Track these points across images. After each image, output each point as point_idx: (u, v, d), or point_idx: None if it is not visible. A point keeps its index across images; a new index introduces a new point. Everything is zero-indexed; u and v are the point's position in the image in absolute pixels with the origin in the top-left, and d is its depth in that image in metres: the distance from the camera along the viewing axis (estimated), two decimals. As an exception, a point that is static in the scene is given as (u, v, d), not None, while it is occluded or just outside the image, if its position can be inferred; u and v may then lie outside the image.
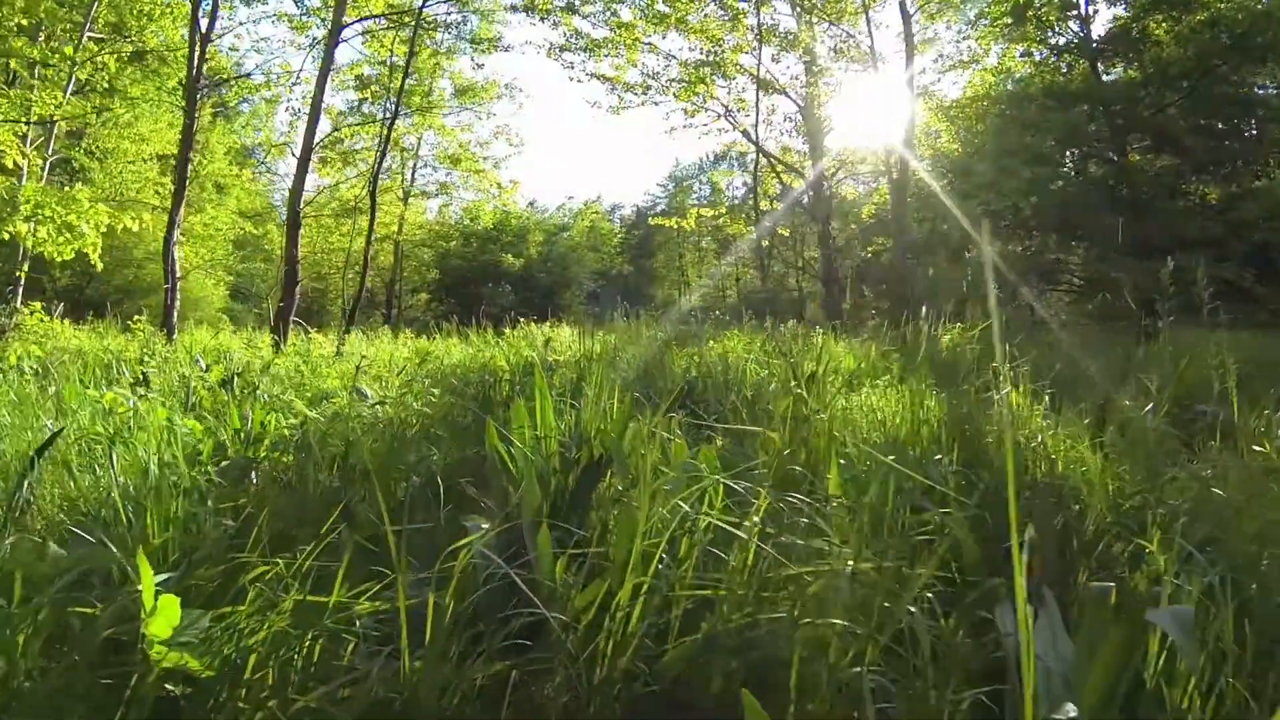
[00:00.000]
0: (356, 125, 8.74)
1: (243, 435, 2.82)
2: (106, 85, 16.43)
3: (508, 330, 9.11)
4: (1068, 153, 14.67)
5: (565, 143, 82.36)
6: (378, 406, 3.39)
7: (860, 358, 4.20)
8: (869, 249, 14.82)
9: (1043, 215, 12.78)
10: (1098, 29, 16.24)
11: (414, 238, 23.70)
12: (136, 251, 21.86)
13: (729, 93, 14.62)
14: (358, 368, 4.51)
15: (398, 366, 4.91)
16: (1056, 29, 16.05)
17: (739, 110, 14.47)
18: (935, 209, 12.49)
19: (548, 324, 11.13)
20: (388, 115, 10.55)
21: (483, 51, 13.73)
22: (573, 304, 28.50)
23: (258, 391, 4.37)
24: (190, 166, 8.26)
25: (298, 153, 8.45)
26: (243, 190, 23.85)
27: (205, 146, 22.87)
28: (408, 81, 19.65)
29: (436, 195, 23.38)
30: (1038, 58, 16.63)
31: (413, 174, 22.98)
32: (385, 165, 23.00)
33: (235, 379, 4.60)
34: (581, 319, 18.29)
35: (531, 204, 34.49)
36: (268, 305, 8.41)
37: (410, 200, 22.70)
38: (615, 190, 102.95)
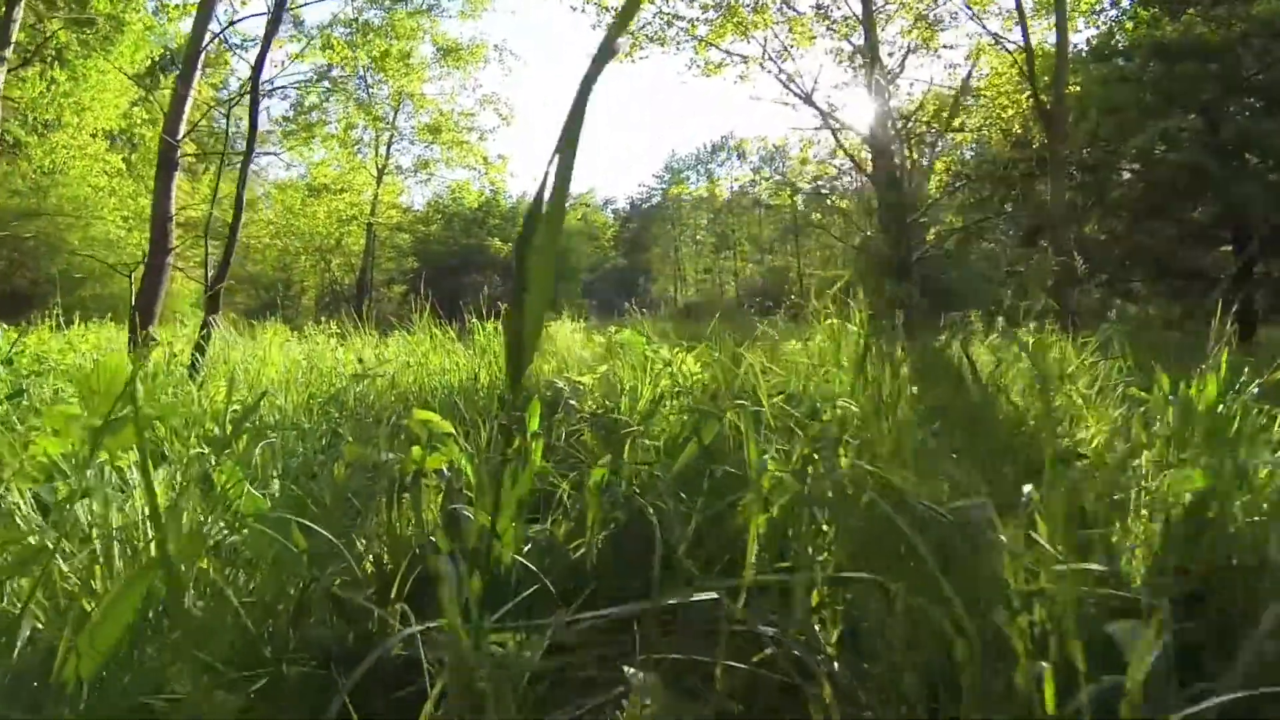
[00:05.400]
0: (228, 27, 6.24)
1: None
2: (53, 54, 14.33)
3: (485, 326, 6.62)
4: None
5: (554, 135, 79.15)
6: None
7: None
8: (934, 231, 12.36)
9: (1154, 185, 10.47)
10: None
11: (390, 220, 20.97)
12: (71, 236, 19.22)
13: (765, 41, 12.05)
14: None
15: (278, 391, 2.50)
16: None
17: (781, 57, 11.93)
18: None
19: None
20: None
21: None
22: (569, 296, 26.02)
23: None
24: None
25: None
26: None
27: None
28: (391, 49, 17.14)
29: (415, 172, 20.64)
30: (1113, 14, 14.38)
31: (388, 149, 20.32)
32: (352, 123, 19.96)
33: None
34: (579, 313, 15.79)
35: (524, 195, 32.15)
36: (128, 296, 5.52)
37: (385, 178, 20.02)
38: (607, 186, 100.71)
